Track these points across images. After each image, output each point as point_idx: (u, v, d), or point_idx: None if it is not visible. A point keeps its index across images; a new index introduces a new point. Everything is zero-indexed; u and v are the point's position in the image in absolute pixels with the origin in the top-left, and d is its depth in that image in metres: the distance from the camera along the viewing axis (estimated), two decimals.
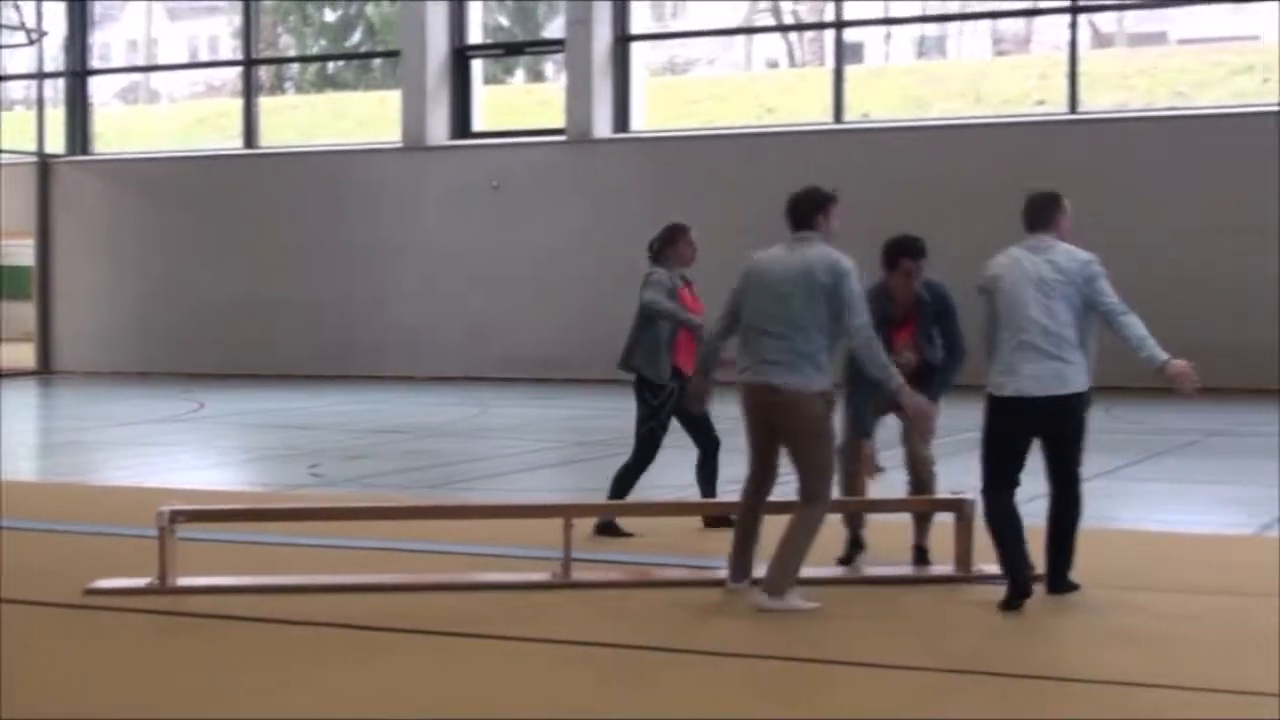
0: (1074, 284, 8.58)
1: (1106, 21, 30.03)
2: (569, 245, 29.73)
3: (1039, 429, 8.61)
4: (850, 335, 8.56)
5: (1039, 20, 29.82)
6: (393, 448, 17.81)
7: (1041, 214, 8.85)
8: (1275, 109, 25.84)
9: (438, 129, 31.04)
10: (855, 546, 9.92)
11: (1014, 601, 8.52)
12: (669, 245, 11.28)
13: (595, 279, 29.00)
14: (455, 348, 30.61)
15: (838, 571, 9.61)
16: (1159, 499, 13.59)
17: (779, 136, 28.63)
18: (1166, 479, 14.82)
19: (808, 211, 8.80)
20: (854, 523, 9.95)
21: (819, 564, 9.25)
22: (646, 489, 11.55)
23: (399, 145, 31.18)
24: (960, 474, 11.14)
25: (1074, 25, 27.33)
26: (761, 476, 8.99)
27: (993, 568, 9.04)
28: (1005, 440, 8.64)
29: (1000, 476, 8.66)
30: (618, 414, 18.36)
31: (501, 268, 30.22)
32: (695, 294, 11.28)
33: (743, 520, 9.07)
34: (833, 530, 9.50)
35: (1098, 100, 27.58)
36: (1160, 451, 16.76)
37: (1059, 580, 8.81)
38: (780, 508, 8.94)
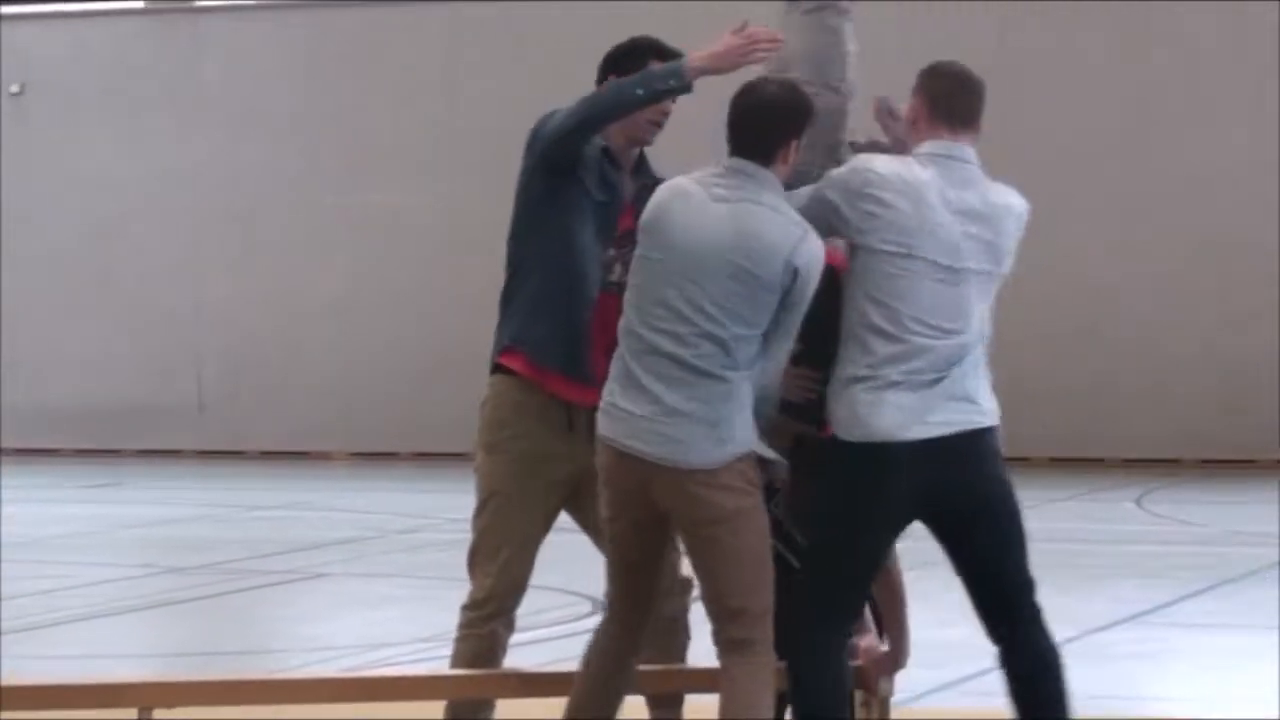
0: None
1: None
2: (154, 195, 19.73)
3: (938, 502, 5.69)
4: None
5: None
6: None
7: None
8: None
9: None
10: None
11: None
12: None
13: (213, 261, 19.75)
14: None
15: None
16: (1237, 663, 9.54)
17: None
18: (1241, 623, 10.68)
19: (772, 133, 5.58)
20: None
21: None
22: None
23: None
24: None
25: None
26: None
27: None
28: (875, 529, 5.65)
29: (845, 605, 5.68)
30: (213, 509, 15.22)
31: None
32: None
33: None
34: None
35: None
36: (1231, 577, 12.30)
37: None
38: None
